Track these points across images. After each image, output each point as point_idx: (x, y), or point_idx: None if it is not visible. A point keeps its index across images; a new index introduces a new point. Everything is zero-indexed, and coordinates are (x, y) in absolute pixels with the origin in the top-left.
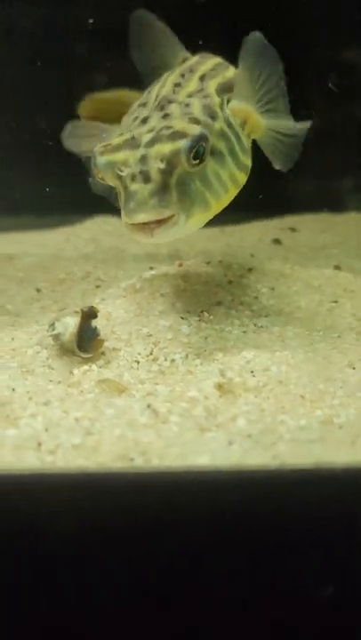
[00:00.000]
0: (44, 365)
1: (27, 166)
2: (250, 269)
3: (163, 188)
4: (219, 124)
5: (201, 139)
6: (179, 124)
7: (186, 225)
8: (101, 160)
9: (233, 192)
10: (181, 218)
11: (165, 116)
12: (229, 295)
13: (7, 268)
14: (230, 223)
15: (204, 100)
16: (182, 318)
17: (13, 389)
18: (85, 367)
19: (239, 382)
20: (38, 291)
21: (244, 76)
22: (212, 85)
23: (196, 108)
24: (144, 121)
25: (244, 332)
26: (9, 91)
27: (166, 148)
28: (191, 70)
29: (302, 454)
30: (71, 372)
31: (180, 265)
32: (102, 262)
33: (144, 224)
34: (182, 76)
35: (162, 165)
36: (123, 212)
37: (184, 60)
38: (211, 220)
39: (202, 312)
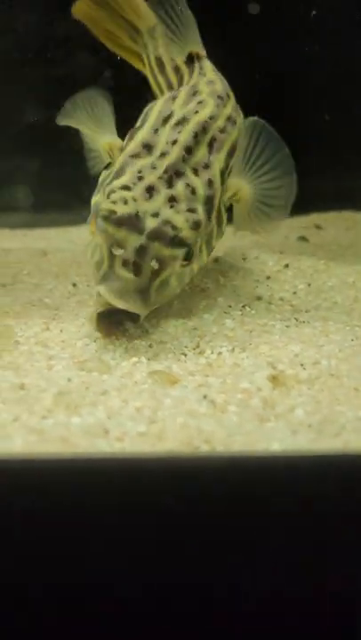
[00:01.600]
0: (95, 357)
1: (51, 163)
2: (286, 265)
3: (147, 289)
4: (211, 225)
5: (194, 246)
6: (182, 224)
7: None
8: (102, 225)
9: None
10: (144, 313)
11: (171, 200)
12: (268, 290)
13: (42, 264)
14: None
15: (209, 189)
16: (225, 313)
17: (69, 379)
18: (135, 359)
19: (291, 374)
20: (74, 285)
21: (241, 155)
22: (218, 160)
23: (200, 200)
24: (149, 191)
25: (287, 326)
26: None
27: (166, 252)
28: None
29: None
30: (121, 364)
31: (217, 260)
32: None
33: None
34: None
35: (156, 266)
36: (100, 277)
37: (198, 55)
38: None
39: (244, 307)
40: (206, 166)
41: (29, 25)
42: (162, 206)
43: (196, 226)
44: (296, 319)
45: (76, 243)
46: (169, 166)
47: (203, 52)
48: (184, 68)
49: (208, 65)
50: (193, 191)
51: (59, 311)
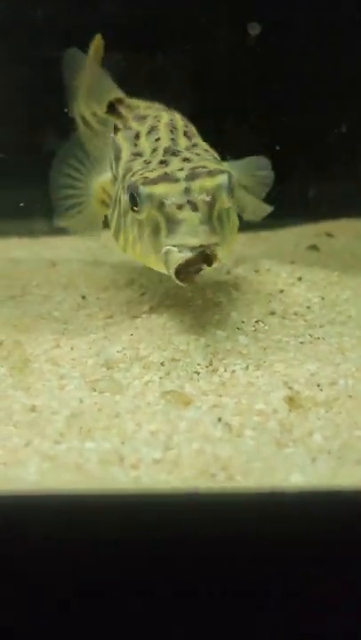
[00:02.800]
0: (106, 376)
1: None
2: (299, 278)
3: (209, 219)
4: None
5: (232, 176)
6: (209, 164)
7: (220, 258)
8: (144, 191)
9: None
10: (221, 251)
11: (186, 160)
12: (282, 305)
13: (51, 275)
14: (265, 228)
15: (207, 153)
16: (238, 329)
17: (81, 400)
18: (146, 378)
19: (309, 396)
20: (83, 298)
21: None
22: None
23: (210, 156)
24: (163, 163)
25: (301, 342)
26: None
27: (209, 182)
28: (173, 127)
29: None
30: (132, 384)
31: (229, 273)
32: (144, 268)
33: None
34: (171, 131)
35: (207, 198)
36: (166, 233)
37: (118, 100)
38: (244, 225)
39: (257, 322)
40: (194, 145)
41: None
42: (183, 165)
43: (219, 162)
44: (311, 335)
45: (83, 253)
46: (165, 148)
47: (122, 96)
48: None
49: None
50: (198, 154)
51: (68, 325)
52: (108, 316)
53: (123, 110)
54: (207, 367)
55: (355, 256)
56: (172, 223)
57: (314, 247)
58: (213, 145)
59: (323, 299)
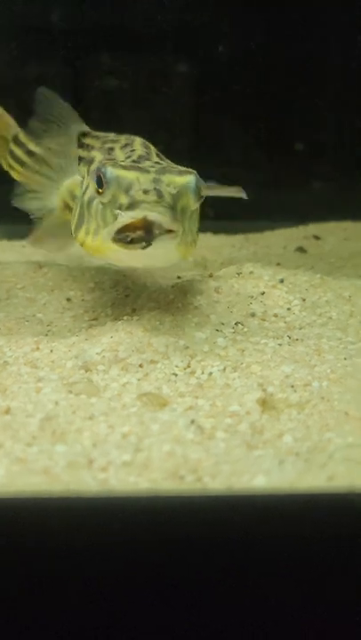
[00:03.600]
0: (84, 378)
1: None
2: (281, 280)
3: (173, 208)
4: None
5: (199, 179)
6: (180, 168)
7: (176, 248)
8: (113, 172)
9: (193, 247)
10: (177, 238)
11: (158, 163)
12: (262, 307)
13: (37, 278)
14: (254, 231)
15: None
16: (217, 331)
17: (57, 403)
18: (124, 380)
19: (282, 398)
20: (68, 300)
21: None
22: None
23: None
24: (136, 162)
25: (279, 344)
26: None
27: (178, 179)
28: (147, 146)
29: (357, 474)
30: (110, 385)
31: (211, 275)
32: (130, 271)
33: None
34: (146, 147)
35: (173, 191)
36: (125, 207)
37: (84, 134)
38: (235, 228)
39: (236, 324)
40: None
41: None
42: (153, 165)
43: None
44: (289, 337)
45: (71, 256)
46: (138, 156)
47: (86, 129)
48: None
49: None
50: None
51: (51, 327)
52: (93, 317)
53: (90, 141)
54: (185, 369)
55: (341, 258)
56: (134, 203)
57: (301, 249)
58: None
59: (304, 300)
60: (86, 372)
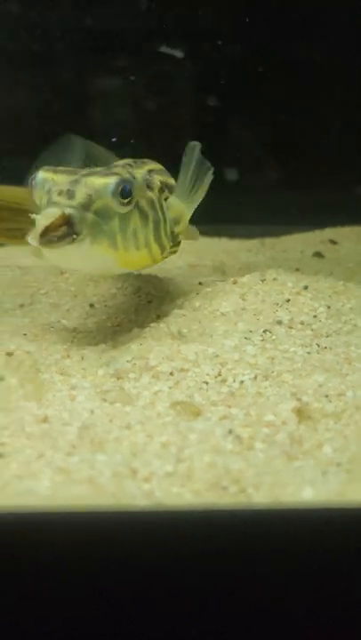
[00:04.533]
0: (116, 386)
1: None
2: (305, 287)
3: (82, 208)
4: (152, 194)
5: (128, 181)
6: (118, 170)
7: (89, 248)
8: (39, 175)
9: (143, 257)
10: (86, 239)
11: (110, 168)
12: (288, 314)
13: (59, 283)
14: (269, 235)
15: (148, 175)
16: (246, 338)
17: (92, 411)
18: (156, 388)
19: (317, 407)
20: (92, 306)
21: (183, 178)
22: (156, 177)
23: (138, 174)
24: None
25: (308, 352)
26: None
27: (98, 180)
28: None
29: None
30: (142, 394)
31: (235, 282)
32: (151, 276)
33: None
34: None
35: (89, 192)
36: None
37: None
38: (251, 232)
39: (264, 332)
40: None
41: None
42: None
43: (130, 174)
44: (318, 345)
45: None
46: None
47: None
48: None
49: None
50: (130, 172)
51: (76, 333)
52: (117, 324)
53: None
54: (216, 377)
55: (359, 264)
56: (48, 204)
57: (319, 254)
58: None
59: (329, 308)
60: (118, 379)
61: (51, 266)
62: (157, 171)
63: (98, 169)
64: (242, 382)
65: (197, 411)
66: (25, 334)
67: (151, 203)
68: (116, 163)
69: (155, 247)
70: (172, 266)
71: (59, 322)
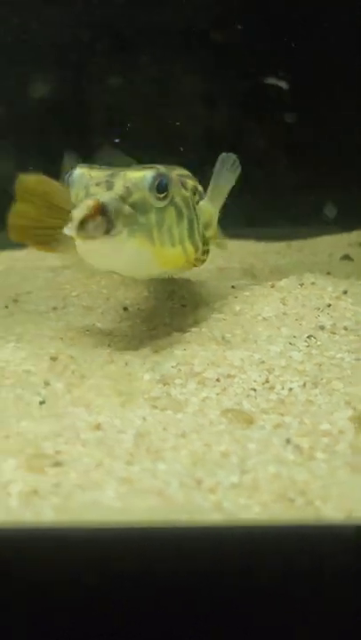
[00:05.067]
0: (164, 392)
1: None
2: (345, 292)
3: (120, 199)
4: (187, 192)
5: (164, 175)
6: (154, 165)
7: (125, 242)
8: (77, 171)
9: (178, 255)
10: (123, 232)
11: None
12: (330, 319)
13: (91, 285)
14: (298, 238)
15: (181, 177)
16: (291, 344)
17: (144, 418)
18: (203, 394)
19: None
20: (125, 309)
21: (214, 185)
22: (189, 182)
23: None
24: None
25: (356, 359)
26: None
27: (135, 173)
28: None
29: None
30: (190, 400)
31: (273, 286)
32: (183, 279)
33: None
34: None
35: (127, 184)
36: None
37: None
38: (277, 234)
39: (308, 337)
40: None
41: None
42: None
43: (167, 169)
44: None
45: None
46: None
47: None
48: None
49: None
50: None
51: (112, 337)
52: (152, 327)
53: None
54: (263, 384)
55: None
56: (87, 195)
57: (348, 257)
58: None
59: None
60: (164, 385)
61: (83, 268)
62: (186, 176)
63: (134, 166)
64: (291, 389)
65: (250, 419)
66: (62, 338)
67: (186, 201)
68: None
69: (189, 246)
70: (201, 268)
71: (93, 325)
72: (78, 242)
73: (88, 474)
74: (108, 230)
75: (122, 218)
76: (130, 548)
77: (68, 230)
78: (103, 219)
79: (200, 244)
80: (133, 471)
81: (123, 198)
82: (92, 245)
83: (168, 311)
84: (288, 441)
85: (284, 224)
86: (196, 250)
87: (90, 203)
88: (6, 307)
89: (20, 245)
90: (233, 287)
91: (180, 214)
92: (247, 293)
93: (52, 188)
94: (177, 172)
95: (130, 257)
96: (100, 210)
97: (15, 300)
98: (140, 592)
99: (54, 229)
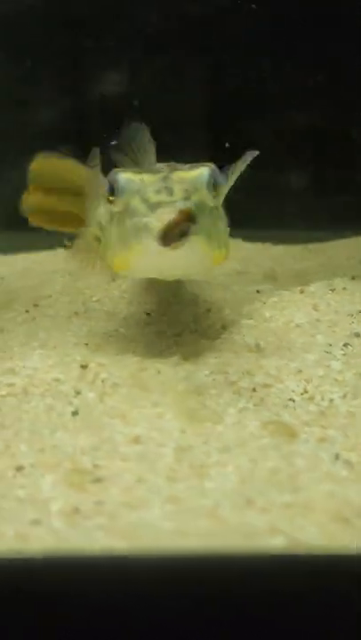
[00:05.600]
0: (199, 403)
1: None
2: None
3: (185, 202)
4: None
5: (216, 172)
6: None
7: (203, 245)
8: (122, 177)
9: (219, 257)
10: (201, 234)
11: (175, 169)
12: None
13: (112, 290)
14: (315, 241)
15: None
16: (327, 352)
17: (183, 430)
18: (240, 405)
19: None
20: (148, 314)
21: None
22: None
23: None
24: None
25: None
26: None
27: (188, 174)
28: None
29: None
30: (227, 411)
31: (302, 291)
32: (205, 283)
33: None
34: None
35: (184, 186)
36: (142, 216)
37: None
38: (294, 238)
39: (345, 345)
40: None
41: None
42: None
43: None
44: None
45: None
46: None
47: None
48: None
49: None
50: None
51: (137, 343)
52: (177, 333)
53: None
54: (302, 394)
55: None
56: (149, 206)
57: None
58: None
59: None
60: (199, 395)
61: (102, 273)
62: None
63: (175, 165)
64: (331, 400)
65: (292, 432)
66: (86, 344)
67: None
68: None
69: (226, 246)
70: (218, 272)
71: (117, 331)
72: (145, 252)
73: (130, 491)
74: (187, 236)
75: (198, 221)
76: (217, 578)
77: (146, 247)
78: (188, 224)
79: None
80: (178, 489)
81: (185, 200)
82: (168, 254)
83: (192, 316)
84: (337, 456)
85: (297, 227)
86: (227, 249)
87: (167, 211)
88: (27, 311)
89: (36, 248)
90: (258, 292)
91: (220, 215)
92: (275, 299)
93: (67, 167)
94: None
95: (197, 260)
96: (184, 216)
97: (35, 305)
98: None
99: (71, 213)
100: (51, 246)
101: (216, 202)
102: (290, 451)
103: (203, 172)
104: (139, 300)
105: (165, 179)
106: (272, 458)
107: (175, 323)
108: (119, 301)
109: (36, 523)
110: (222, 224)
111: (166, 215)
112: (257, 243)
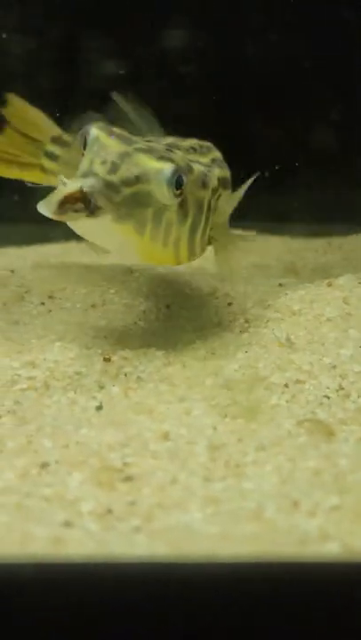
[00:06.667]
0: (229, 399)
1: None
2: None
3: (117, 186)
4: (205, 193)
5: (183, 172)
6: (176, 156)
7: (108, 225)
8: (93, 131)
9: (167, 256)
10: (107, 215)
11: (169, 148)
12: None
13: (130, 282)
14: (336, 234)
15: (207, 169)
16: None
17: (215, 428)
18: (272, 402)
19: None
20: (168, 307)
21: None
22: (216, 171)
23: (198, 165)
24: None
25: None
26: None
27: (151, 163)
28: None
29: None
30: (258, 407)
31: (330, 284)
32: (224, 275)
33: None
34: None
35: (137, 172)
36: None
37: None
38: (316, 232)
39: None
40: (208, 164)
41: None
42: (157, 145)
43: (187, 165)
44: None
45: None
46: (170, 142)
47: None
48: None
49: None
50: (191, 160)
51: (157, 336)
52: (199, 328)
53: None
54: (337, 391)
55: None
56: (84, 171)
57: None
58: None
59: None
60: (229, 390)
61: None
62: (218, 161)
63: (155, 143)
64: None
65: (329, 430)
66: (106, 337)
67: (199, 203)
68: (180, 143)
69: (183, 250)
70: (234, 265)
71: (135, 324)
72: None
73: (164, 490)
74: (92, 212)
75: (109, 202)
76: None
77: (43, 206)
78: (82, 205)
79: (198, 250)
80: (216, 489)
81: (125, 182)
82: (79, 225)
83: (214, 310)
84: None
85: (319, 220)
86: (192, 255)
87: (74, 186)
88: (42, 303)
89: (48, 239)
90: (280, 285)
91: (184, 215)
92: (302, 292)
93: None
94: (212, 156)
95: (111, 240)
96: (81, 196)
97: (51, 297)
98: None
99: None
100: (66, 238)
101: (175, 201)
102: (330, 450)
103: (165, 168)
104: (157, 292)
105: (124, 155)
106: (312, 457)
107: (196, 316)
108: (137, 294)
109: (68, 524)
110: (183, 229)
111: (69, 189)
112: (275, 236)
